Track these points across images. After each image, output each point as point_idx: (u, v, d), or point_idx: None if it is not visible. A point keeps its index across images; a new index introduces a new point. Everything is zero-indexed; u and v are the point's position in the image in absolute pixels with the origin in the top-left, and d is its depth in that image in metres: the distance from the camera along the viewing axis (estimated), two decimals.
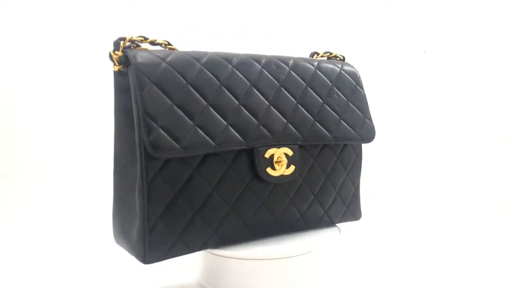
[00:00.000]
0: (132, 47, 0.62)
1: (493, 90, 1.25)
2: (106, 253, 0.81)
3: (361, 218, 0.77)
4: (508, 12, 1.23)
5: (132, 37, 0.61)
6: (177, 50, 0.64)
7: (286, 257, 0.65)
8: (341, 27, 1.19)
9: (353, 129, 0.71)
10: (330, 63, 0.74)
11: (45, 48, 1.12)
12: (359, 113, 0.72)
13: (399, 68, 1.23)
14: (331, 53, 0.78)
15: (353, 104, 0.72)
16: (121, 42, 0.61)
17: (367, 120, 0.73)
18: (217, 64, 0.64)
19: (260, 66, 0.67)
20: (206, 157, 0.62)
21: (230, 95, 0.63)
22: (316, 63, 0.72)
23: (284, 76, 0.67)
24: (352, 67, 0.75)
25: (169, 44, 0.64)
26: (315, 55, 0.77)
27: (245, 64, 0.66)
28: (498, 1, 1.23)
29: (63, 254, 0.82)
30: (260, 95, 0.65)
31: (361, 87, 0.74)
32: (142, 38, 0.61)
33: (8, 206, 1.06)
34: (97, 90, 1.08)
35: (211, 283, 0.68)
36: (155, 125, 0.58)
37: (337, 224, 0.75)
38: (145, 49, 0.61)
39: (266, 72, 0.66)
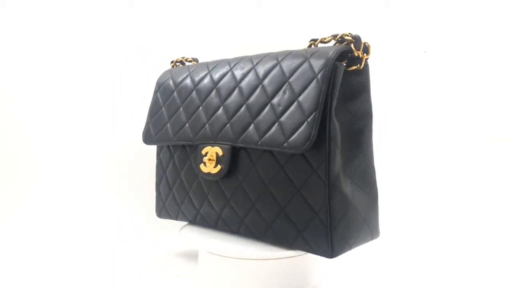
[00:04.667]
0: (176, 65, 0.80)
1: (494, 90, 1.20)
2: (105, 252, 0.83)
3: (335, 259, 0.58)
4: (508, 12, 1.17)
5: (178, 58, 0.83)
6: (194, 63, 0.78)
7: (283, 258, 0.62)
8: (341, 27, 1.10)
9: (283, 134, 0.56)
10: (302, 52, 0.60)
11: (43, 48, 1.11)
12: (302, 113, 0.55)
13: (399, 68, 1.20)
14: (334, 36, 0.62)
15: (300, 102, 0.56)
16: (171, 63, 0.82)
17: (307, 123, 0.54)
18: (199, 71, 0.69)
19: (229, 68, 0.65)
20: (179, 148, 0.70)
21: (197, 98, 0.67)
22: (285, 56, 0.60)
23: (244, 76, 0.63)
24: (330, 52, 0.57)
25: (194, 59, 0.81)
26: (311, 42, 0.65)
27: (218, 67, 0.67)
28: (498, 1, 1.18)
29: (62, 254, 0.82)
30: (218, 96, 0.65)
31: (322, 78, 0.55)
32: (182, 58, 0.83)
33: (7, 206, 1.03)
34: (96, 91, 1.10)
35: (209, 281, 0.67)
36: (149, 121, 0.73)
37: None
38: (181, 66, 0.79)
39: (231, 73, 0.64)
